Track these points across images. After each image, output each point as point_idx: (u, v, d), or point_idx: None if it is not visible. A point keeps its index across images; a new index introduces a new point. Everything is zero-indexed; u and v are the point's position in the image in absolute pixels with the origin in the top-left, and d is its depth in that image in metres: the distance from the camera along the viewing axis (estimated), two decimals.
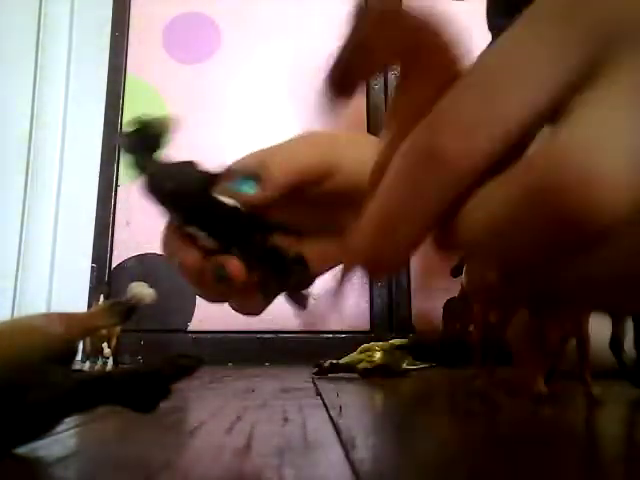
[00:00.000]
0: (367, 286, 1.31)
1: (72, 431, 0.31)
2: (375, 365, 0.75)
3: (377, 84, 1.42)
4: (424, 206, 0.16)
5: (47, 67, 1.46)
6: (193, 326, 1.32)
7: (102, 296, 0.93)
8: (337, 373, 0.75)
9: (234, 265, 0.28)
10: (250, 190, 0.29)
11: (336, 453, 0.25)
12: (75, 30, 1.49)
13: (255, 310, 0.32)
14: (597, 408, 0.44)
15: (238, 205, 0.28)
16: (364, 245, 0.17)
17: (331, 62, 0.21)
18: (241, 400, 0.52)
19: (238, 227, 0.28)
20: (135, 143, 0.28)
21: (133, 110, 1.44)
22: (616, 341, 0.56)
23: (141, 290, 0.31)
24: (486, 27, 1.44)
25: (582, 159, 0.13)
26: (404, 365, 0.78)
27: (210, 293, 0.30)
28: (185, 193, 0.27)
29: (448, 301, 1.03)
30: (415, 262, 1.33)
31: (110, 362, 0.88)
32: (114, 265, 1.37)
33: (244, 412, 0.42)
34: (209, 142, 1.38)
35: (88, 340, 0.88)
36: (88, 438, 0.32)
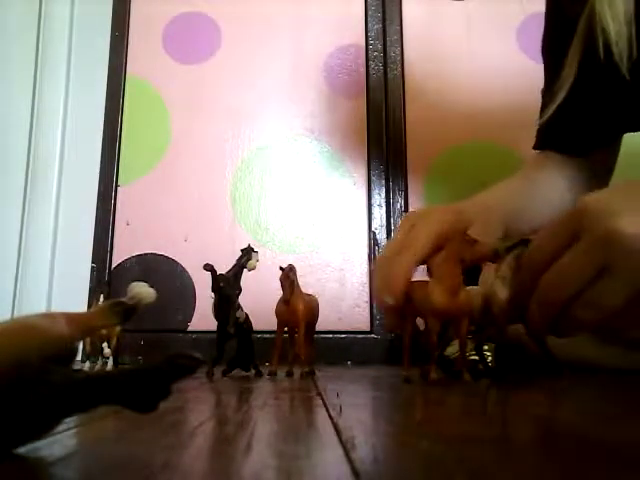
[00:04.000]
0: (367, 286, 1.31)
1: (72, 431, 0.31)
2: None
3: (378, 84, 1.42)
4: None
5: (47, 67, 1.46)
6: (193, 326, 1.32)
7: (102, 296, 0.93)
8: None
9: None
10: None
11: (336, 453, 0.25)
12: (75, 30, 1.49)
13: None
14: (597, 408, 0.44)
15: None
16: None
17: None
18: (241, 400, 0.52)
19: None
20: None
21: (133, 110, 1.44)
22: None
23: (141, 290, 0.31)
24: (486, 29, 1.43)
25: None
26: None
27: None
28: None
29: None
30: None
31: (110, 362, 0.88)
32: (114, 265, 1.37)
33: (244, 412, 0.42)
34: (209, 142, 1.38)
35: (88, 340, 0.87)
36: (88, 438, 0.32)
